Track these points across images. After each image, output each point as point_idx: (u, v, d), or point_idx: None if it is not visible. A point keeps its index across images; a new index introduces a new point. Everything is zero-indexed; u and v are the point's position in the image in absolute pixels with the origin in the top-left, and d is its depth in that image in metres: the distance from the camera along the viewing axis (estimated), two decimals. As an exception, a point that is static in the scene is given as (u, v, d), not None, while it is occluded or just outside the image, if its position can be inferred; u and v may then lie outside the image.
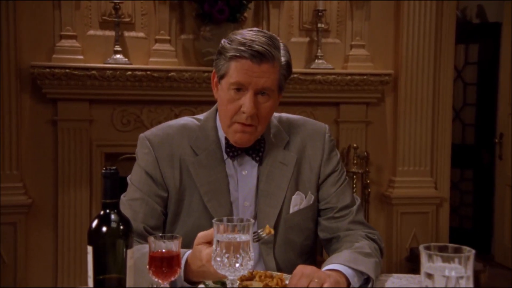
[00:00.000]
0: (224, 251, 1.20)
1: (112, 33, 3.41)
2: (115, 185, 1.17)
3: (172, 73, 3.41)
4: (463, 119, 5.49)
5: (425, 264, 1.00)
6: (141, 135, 1.69)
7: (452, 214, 5.32)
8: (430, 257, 0.99)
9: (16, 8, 3.25)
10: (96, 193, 3.47)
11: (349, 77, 3.65)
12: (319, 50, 3.66)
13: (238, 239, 1.20)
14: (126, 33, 3.48)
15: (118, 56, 3.38)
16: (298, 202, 1.67)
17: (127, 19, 3.47)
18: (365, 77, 3.67)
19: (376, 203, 3.88)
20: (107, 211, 1.16)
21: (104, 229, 1.15)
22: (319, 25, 3.63)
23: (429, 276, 0.99)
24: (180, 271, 1.27)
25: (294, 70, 3.48)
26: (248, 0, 3.46)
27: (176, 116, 3.45)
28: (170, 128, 1.69)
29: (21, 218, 3.32)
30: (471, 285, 0.98)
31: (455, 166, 5.33)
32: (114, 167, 1.17)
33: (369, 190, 3.79)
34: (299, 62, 3.67)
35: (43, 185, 3.43)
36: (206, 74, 3.40)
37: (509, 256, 4.71)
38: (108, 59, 3.38)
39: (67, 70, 3.27)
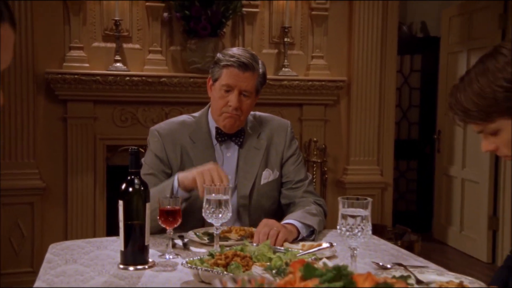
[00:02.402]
0: (211, 206, 1.58)
1: (113, 45, 3.60)
2: (138, 159, 1.52)
3: (163, 79, 3.61)
4: (409, 118, 5.72)
5: (341, 209, 1.38)
6: (152, 128, 2.04)
7: (399, 200, 5.62)
8: (344, 204, 1.39)
9: (33, 23, 3.42)
10: (99, 178, 3.64)
11: (310, 83, 3.91)
12: (285, 60, 3.91)
13: (220, 198, 1.58)
14: (125, 45, 3.65)
15: (118, 64, 3.57)
16: (267, 176, 2.04)
17: (126, 33, 3.65)
18: (323, 83, 3.93)
19: (332, 187, 4.15)
20: (132, 177, 1.50)
21: (130, 189, 1.49)
22: (285, 39, 3.88)
23: (344, 216, 1.37)
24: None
25: (264, 77, 3.80)
26: (227, 19, 3.67)
27: (166, 114, 3.68)
28: (173, 123, 2.05)
29: (37, 199, 3.51)
30: (369, 221, 1.38)
31: (403, 158, 5.60)
32: (136, 148, 1.53)
33: (327, 176, 4.08)
34: (269, 70, 3.75)
35: (55, 171, 3.60)
36: (192, 79, 3.62)
37: (444, 233, 5.01)
38: (110, 66, 3.57)
39: (75, 76, 3.45)
